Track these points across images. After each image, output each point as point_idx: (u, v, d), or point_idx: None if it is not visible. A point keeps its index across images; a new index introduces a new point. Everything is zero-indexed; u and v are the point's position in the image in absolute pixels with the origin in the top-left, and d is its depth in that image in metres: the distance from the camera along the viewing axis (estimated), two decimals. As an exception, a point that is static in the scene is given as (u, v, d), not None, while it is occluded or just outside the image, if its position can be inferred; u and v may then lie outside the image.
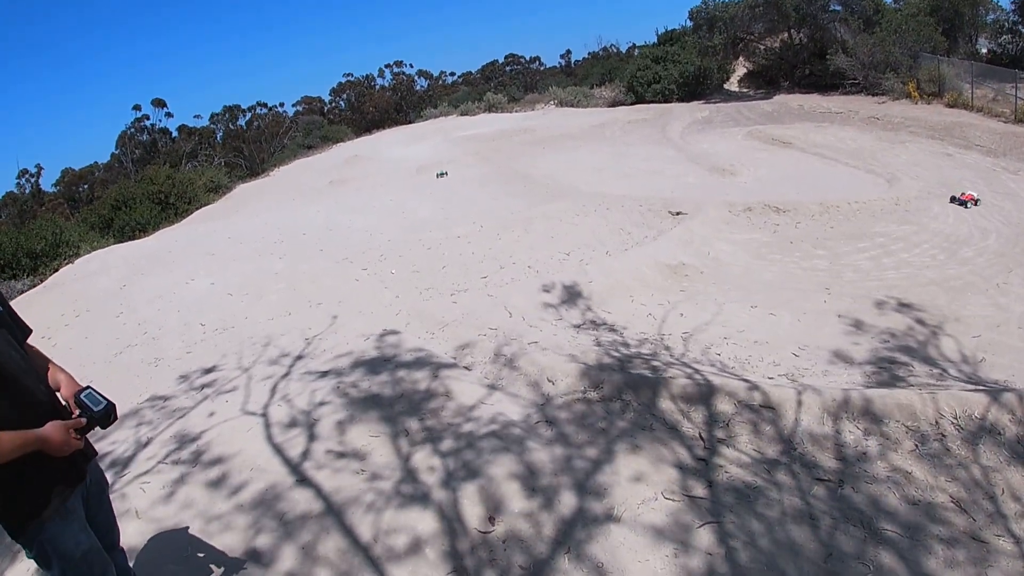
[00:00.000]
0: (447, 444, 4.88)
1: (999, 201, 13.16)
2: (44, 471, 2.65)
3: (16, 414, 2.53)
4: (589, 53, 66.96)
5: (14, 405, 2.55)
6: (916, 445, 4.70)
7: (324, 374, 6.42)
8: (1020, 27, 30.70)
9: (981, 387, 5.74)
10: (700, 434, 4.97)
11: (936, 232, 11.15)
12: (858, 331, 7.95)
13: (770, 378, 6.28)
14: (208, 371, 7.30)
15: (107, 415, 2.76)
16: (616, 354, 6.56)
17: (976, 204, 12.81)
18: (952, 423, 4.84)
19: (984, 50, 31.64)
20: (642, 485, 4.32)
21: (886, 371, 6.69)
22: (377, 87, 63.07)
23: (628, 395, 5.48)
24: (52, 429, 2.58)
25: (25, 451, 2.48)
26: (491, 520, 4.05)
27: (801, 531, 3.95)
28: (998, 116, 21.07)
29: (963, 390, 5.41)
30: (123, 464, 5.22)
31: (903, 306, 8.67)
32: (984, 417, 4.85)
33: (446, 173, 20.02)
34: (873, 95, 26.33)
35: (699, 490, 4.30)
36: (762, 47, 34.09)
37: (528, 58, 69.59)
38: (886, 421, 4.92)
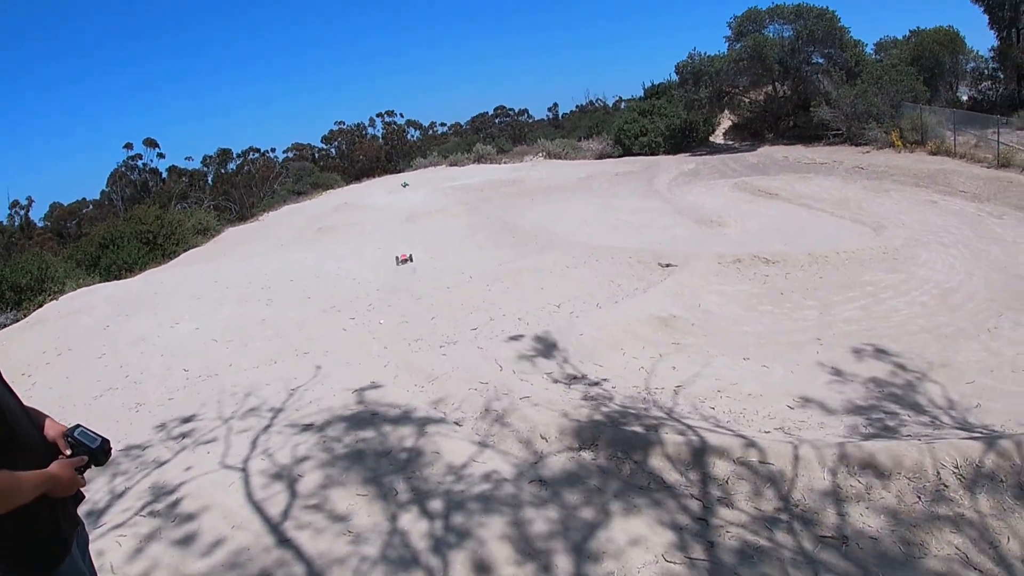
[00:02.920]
0: (436, 505, 4.71)
1: (985, 246, 13.22)
2: (53, 514, 2.50)
3: (29, 457, 2.40)
4: (576, 106, 67.81)
5: (22, 449, 2.41)
6: (918, 497, 4.61)
7: (308, 428, 6.24)
8: (999, 74, 31.35)
9: (979, 434, 5.68)
10: (697, 493, 4.84)
11: (925, 279, 11.16)
12: (851, 381, 7.88)
13: (766, 432, 6.18)
14: (187, 420, 7.10)
15: (104, 451, 2.65)
16: (608, 410, 6.43)
17: (408, 261, 14.88)
18: (953, 472, 4.76)
19: (965, 97, 32.32)
20: (641, 548, 4.17)
21: (882, 421, 6.61)
22: (368, 136, 63.42)
23: (622, 453, 5.35)
24: (59, 467, 2.46)
25: (39, 491, 2.35)
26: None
27: (807, 593, 3.82)
28: (981, 162, 21.35)
29: (961, 438, 5.34)
30: (97, 515, 5.03)
31: (895, 354, 8.63)
32: (984, 464, 4.78)
33: (407, 184, 21.35)
34: (857, 145, 26.68)
35: (699, 552, 4.16)
36: (747, 100, 34.65)
37: (516, 110, 70.28)
38: (886, 473, 4.82)
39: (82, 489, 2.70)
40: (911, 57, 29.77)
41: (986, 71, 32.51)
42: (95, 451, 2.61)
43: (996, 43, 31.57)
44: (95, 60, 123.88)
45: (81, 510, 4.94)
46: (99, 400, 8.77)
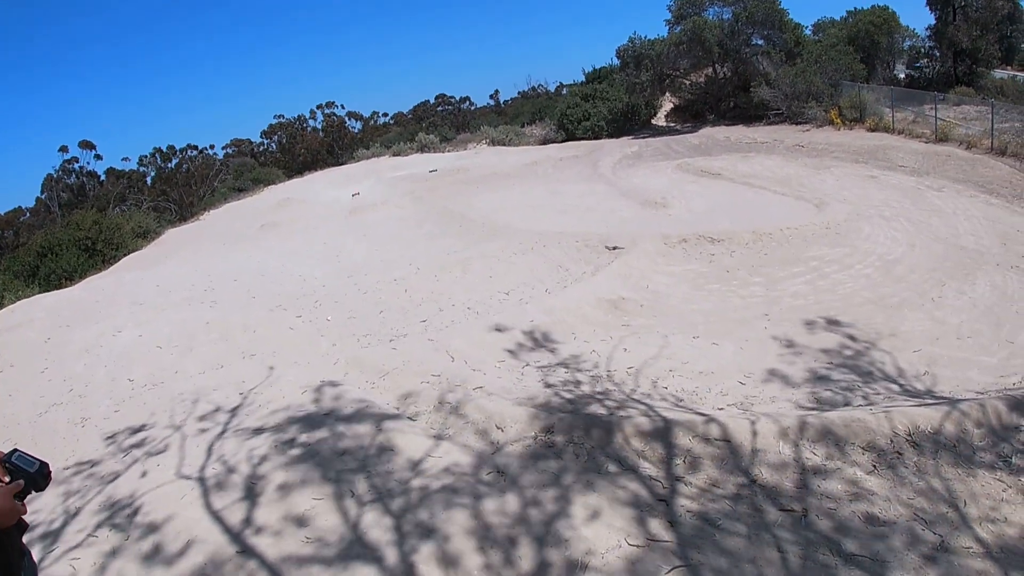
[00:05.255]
0: (396, 502, 4.64)
1: (926, 218, 13.50)
2: None
3: None
4: (519, 92, 67.86)
5: None
6: (875, 465, 4.72)
7: (261, 431, 6.10)
8: (935, 52, 32.11)
9: (931, 401, 5.79)
10: (658, 473, 4.85)
11: (868, 252, 11.36)
12: (801, 354, 7.99)
13: (721, 409, 6.22)
14: (138, 431, 6.90)
15: (44, 475, 2.53)
16: (564, 395, 6.43)
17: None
18: (907, 439, 4.87)
19: (902, 75, 33.10)
20: (604, 532, 4.16)
21: (834, 392, 6.72)
22: (308, 128, 62.47)
23: (581, 437, 5.33)
24: None
25: None
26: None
27: (772, 566, 3.85)
28: (919, 137, 21.82)
29: (914, 405, 5.46)
30: (51, 537, 4.84)
31: (843, 326, 8.79)
32: (938, 430, 4.94)
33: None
34: (797, 124, 27.05)
35: (663, 532, 4.16)
36: (688, 82, 34.90)
37: (458, 98, 69.91)
38: (843, 443, 4.92)
39: (32, 509, 2.57)
40: (848, 37, 30.38)
41: (922, 49, 33.35)
42: (34, 475, 2.50)
43: (933, 22, 32.36)
44: (25, 62, 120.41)
45: (32, 533, 4.82)
46: (44, 417, 8.46)
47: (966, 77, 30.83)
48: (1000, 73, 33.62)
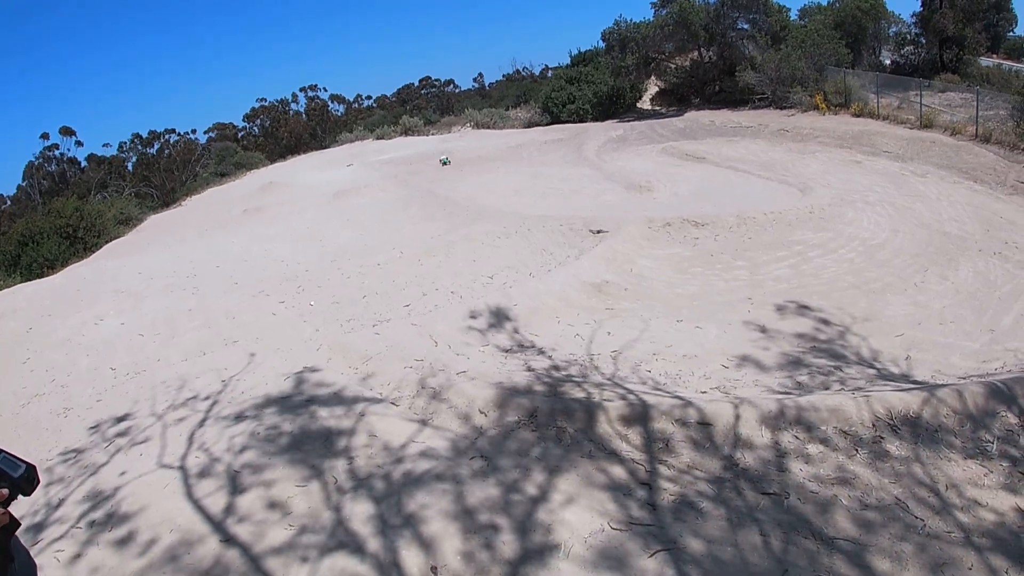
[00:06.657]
0: (378, 488, 4.63)
1: (910, 203, 13.53)
2: None
3: None
4: (503, 75, 67.44)
5: None
6: (856, 449, 4.74)
7: (243, 419, 6.07)
8: (921, 38, 32.14)
9: (912, 385, 5.81)
10: (640, 457, 4.85)
11: (852, 237, 11.38)
12: (783, 338, 8.02)
13: (703, 392, 6.24)
14: (120, 420, 6.85)
15: (29, 480, 2.37)
16: (547, 379, 6.41)
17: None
18: (888, 423, 4.89)
19: (887, 61, 33.11)
20: (587, 517, 4.17)
21: (816, 376, 6.74)
22: (292, 112, 61.94)
23: (563, 422, 5.33)
24: None
25: None
26: (434, 570, 3.82)
27: (754, 549, 3.87)
28: (903, 123, 21.79)
29: (895, 390, 5.49)
30: (35, 530, 4.82)
31: (826, 311, 8.82)
32: (918, 415, 4.96)
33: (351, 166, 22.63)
34: (781, 108, 26.95)
35: (646, 516, 4.17)
36: (673, 66, 34.73)
37: (443, 81, 69.57)
38: (823, 428, 4.93)
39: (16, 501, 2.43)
40: (834, 22, 30.27)
41: (908, 36, 33.34)
42: (18, 480, 2.35)
43: (919, 8, 32.40)
44: (3, 50, 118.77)
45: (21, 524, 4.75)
46: (26, 408, 8.37)
47: (952, 64, 30.88)
48: (986, 61, 33.70)
